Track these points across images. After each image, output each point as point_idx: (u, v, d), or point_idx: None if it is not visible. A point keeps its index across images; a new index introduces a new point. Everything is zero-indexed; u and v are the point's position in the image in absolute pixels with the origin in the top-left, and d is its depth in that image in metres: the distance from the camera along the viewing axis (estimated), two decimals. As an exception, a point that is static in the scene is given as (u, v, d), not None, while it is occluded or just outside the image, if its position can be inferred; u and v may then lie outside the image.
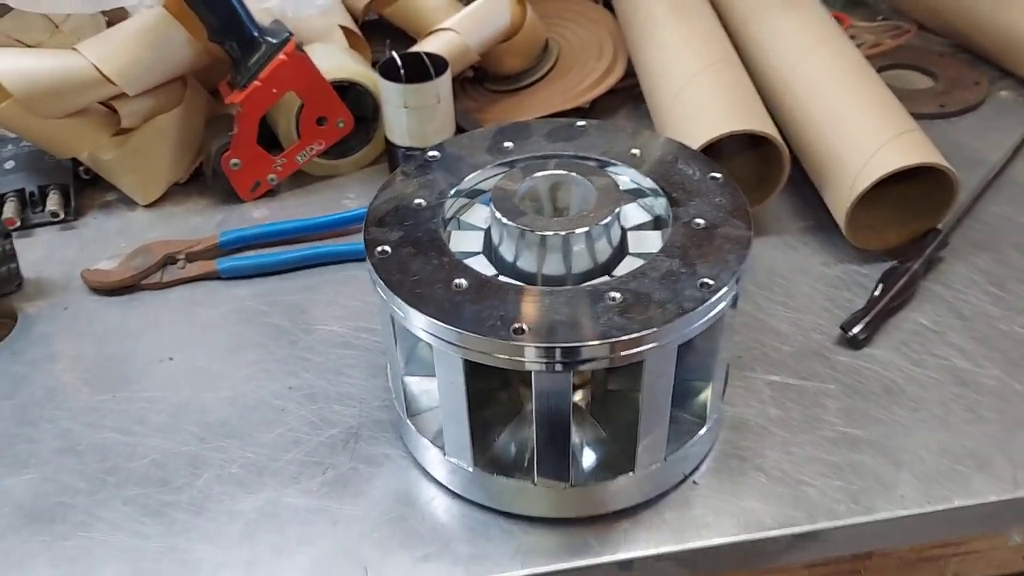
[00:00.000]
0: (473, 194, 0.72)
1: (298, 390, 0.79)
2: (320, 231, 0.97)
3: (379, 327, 0.83)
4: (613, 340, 0.56)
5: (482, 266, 0.65)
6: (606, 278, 0.63)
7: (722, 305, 0.60)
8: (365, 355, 0.82)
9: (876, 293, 0.83)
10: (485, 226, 0.69)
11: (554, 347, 0.56)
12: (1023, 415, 0.74)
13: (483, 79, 1.22)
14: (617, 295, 0.59)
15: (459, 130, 1.02)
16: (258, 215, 1.01)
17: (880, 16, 1.37)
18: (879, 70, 1.18)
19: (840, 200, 0.88)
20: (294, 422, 0.76)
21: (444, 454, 0.68)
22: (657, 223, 0.69)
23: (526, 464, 0.67)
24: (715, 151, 0.89)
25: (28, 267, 0.93)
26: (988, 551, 0.73)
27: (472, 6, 1.12)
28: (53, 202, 1.01)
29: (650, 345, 0.57)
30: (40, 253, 0.97)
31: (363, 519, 0.68)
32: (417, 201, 0.68)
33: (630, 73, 1.16)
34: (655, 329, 0.57)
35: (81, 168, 1.05)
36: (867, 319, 0.80)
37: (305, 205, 1.02)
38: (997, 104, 1.16)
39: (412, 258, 0.63)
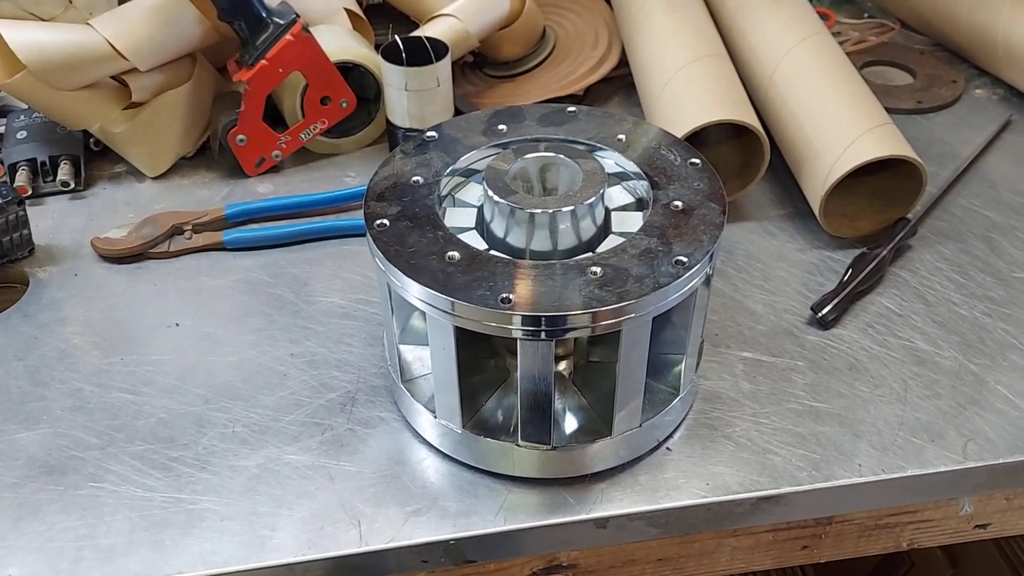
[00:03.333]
0: (468, 173, 0.76)
1: (300, 357, 0.83)
2: (322, 207, 1.00)
3: (377, 299, 0.87)
4: (593, 311, 0.61)
5: (474, 241, 0.69)
6: (589, 254, 0.67)
7: (695, 281, 0.65)
8: (363, 326, 0.86)
9: (845, 277, 0.87)
10: (478, 204, 0.73)
11: (538, 316, 0.61)
12: (976, 393, 0.78)
13: (482, 64, 1.25)
14: (598, 270, 0.63)
15: (457, 113, 1.06)
16: (263, 190, 1.04)
17: (866, 14, 1.40)
18: (862, 66, 1.23)
19: (816, 189, 0.92)
20: (295, 386, 0.80)
21: (435, 417, 0.72)
22: (640, 204, 0.73)
23: (512, 428, 0.71)
24: (700, 140, 0.93)
25: (39, 234, 0.96)
26: (941, 520, 0.78)
27: (473, -7, 1.15)
28: (64, 172, 1.03)
29: (627, 316, 0.62)
30: (51, 221, 1.00)
31: (358, 476, 0.72)
32: (415, 178, 0.72)
33: (624, 62, 1.19)
34: (632, 301, 0.61)
35: (92, 140, 1.08)
36: (836, 301, 0.84)
37: (308, 181, 1.06)
38: (972, 102, 1.20)
39: (409, 231, 0.67)
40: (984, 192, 1.02)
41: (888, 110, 0.97)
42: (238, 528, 0.69)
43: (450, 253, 0.65)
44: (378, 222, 0.68)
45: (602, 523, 0.70)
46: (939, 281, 0.90)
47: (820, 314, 0.84)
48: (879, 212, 0.95)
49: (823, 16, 1.32)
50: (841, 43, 1.28)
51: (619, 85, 1.22)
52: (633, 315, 0.62)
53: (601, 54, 1.20)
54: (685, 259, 0.64)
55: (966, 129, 1.13)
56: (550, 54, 1.23)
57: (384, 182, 0.72)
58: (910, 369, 0.80)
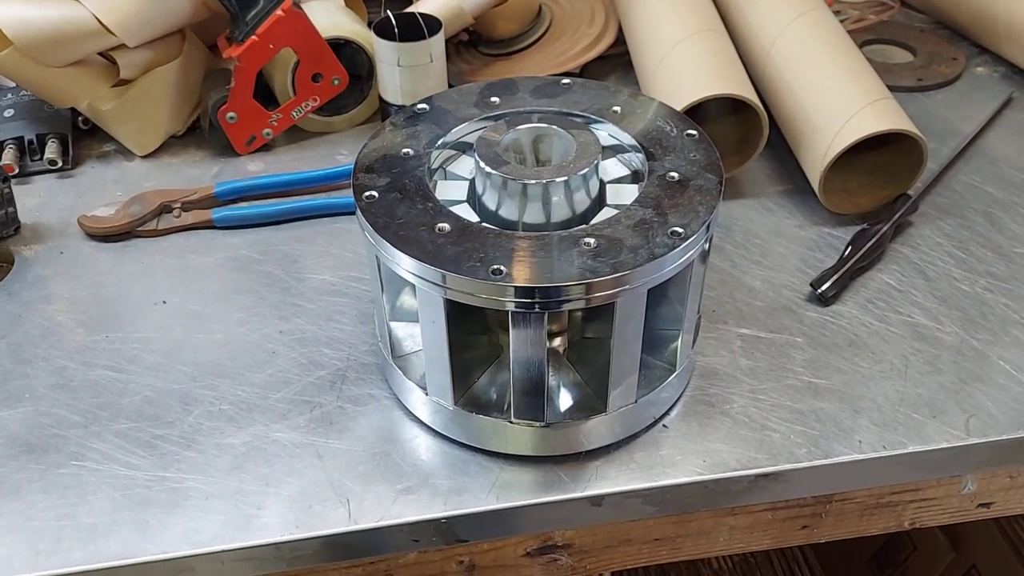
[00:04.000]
0: (460, 146, 0.75)
1: (289, 334, 0.81)
2: (313, 185, 0.99)
3: (368, 276, 0.86)
4: (587, 282, 0.59)
5: (466, 214, 0.67)
6: (583, 226, 0.65)
7: (691, 253, 0.63)
8: (354, 303, 0.84)
9: (845, 253, 0.86)
10: (470, 176, 0.72)
11: (531, 288, 0.59)
12: (977, 369, 0.77)
13: (477, 43, 1.24)
14: (592, 241, 0.62)
15: (451, 89, 1.05)
16: (253, 168, 1.03)
17: (866, -8, 1.39)
18: (862, 44, 1.22)
19: (815, 165, 0.90)
20: (284, 364, 0.79)
21: (427, 394, 0.70)
22: (635, 177, 0.72)
23: (505, 405, 0.69)
24: (698, 115, 0.91)
25: (25, 213, 0.95)
26: (943, 498, 0.76)
27: (467, -31, 1.14)
28: (52, 150, 1.02)
29: (622, 288, 0.60)
30: (37, 200, 0.99)
31: (348, 454, 0.71)
32: (405, 150, 0.71)
33: (620, 40, 1.18)
34: (626, 272, 0.59)
35: (80, 118, 1.07)
36: (835, 277, 0.83)
37: (299, 160, 1.05)
38: (973, 79, 1.18)
39: (398, 203, 0.65)
40: (985, 168, 1.01)
41: (888, 88, 0.95)
42: (224, 507, 0.68)
43: (440, 224, 0.63)
44: (367, 194, 0.66)
45: (597, 501, 0.69)
46: (940, 257, 0.88)
47: (820, 290, 0.82)
48: (879, 188, 0.93)
49: (823, -6, 1.31)
50: (841, 22, 1.27)
51: (616, 63, 1.21)
52: (628, 287, 0.60)
53: (598, 32, 1.19)
54: (681, 230, 0.62)
55: (967, 106, 1.12)
56: (546, 32, 1.22)
57: (373, 154, 0.71)
58: (911, 345, 0.79)
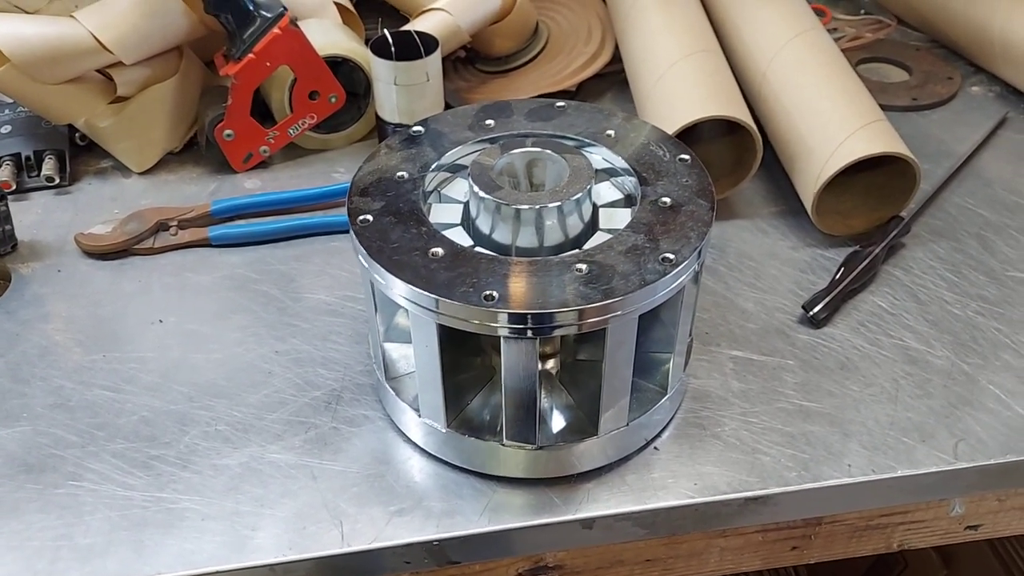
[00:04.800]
0: (454, 169, 0.75)
1: (285, 354, 0.82)
2: (310, 203, 1.00)
3: (363, 296, 0.86)
4: (578, 308, 0.60)
5: (460, 237, 0.68)
6: (576, 251, 0.66)
7: (682, 279, 0.64)
8: (350, 323, 0.85)
9: (837, 276, 0.86)
10: (464, 199, 0.72)
11: (523, 314, 0.60)
12: (967, 393, 0.77)
13: (474, 60, 1.25)
14: (583, 267, 0.62)
15: (448, 109, 1.05)
16: (250, 185, 1.04)
17: (862, 10, 1.40)
18: (858, 63, 1.23)
19: (808, 186, 0.91)
20: (280, 384, 0.79)
21: (420, 416, 0.71)
22: (628, 201, 0.72)
23: (497, 427, 0.70)
24: (693, 136, 0.92)
25: (23, 230, 0.96)
26: (932, 521, 0.77)
27: (464, -12, 1.15)
28: (49, 167, 1.03)
29: (612, 314, 0.61)
30: (35, 216, 0.99)
31: (342, 475, 0.72)
32: (400, 174, 0.71)
33: (617, 58, 1.18)
34: (617, 299, 0.60)
35: (77, 134, 1.07)
36: (827, 300, 0.83)
37: (296, 177, 1.05)
38: (968, 99, 1.19)
39: (392, 227, 0.66)
40: (979, 190, 1.01)
41: (884, 107, 0.96)
42: (219, 528, 0.68)
43: (434, 249, 0.64)
44: (361, 218, 0.67)
45: (588, 524, 0.69)
46: (932, 280, 0.89)
47: (811, 313, 0.83)
48: (873, 210, 0.94)
49: (819, 12, 1.32)
50: (837, 39, 1.28)
51: (612, 81, 1.21)
52: (619, 313, 0.61)
53: (594, 50, 1.20)
54: (672, 256, 0.63)
55: (961, 126, 1.13)
56: (543, 49, 1.23)
57: (368, 177, 0.71)
58: (902, 368, 0.80)
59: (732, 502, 0.70)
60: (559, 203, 0.65)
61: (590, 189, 0.68)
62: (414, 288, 0.61)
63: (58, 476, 0.72)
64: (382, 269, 0.63)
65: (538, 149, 0.71)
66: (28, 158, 1.03)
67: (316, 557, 0.67)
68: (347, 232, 0.92)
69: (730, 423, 0.75)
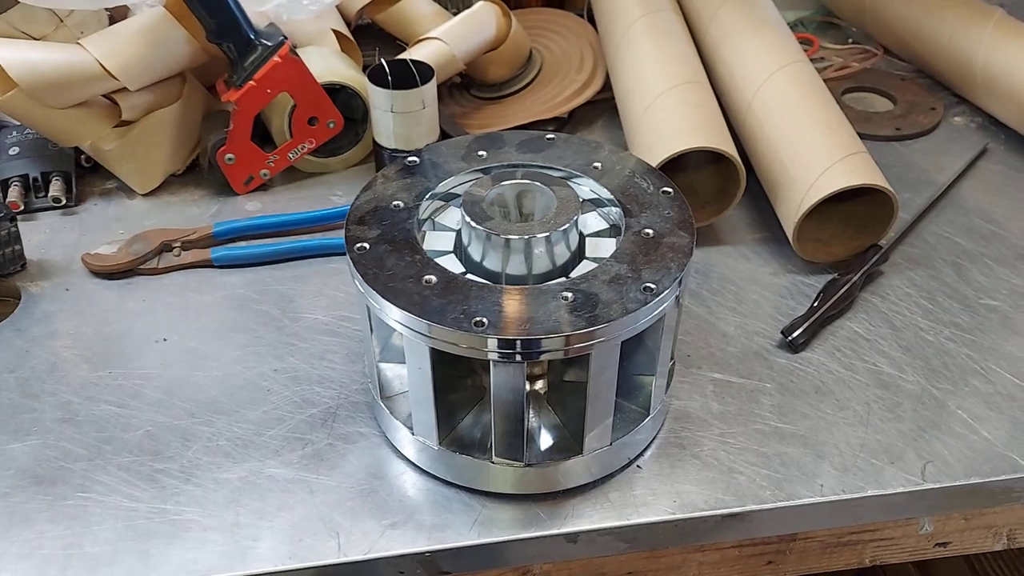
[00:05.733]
0: (448, 197, 0.79)
1: (283, 372, 0.85)
2: (309, 225, 1.03)
3: (359, 317, 0.89)
4: (564, 335, 0.63)
5: (452, 265, 0.71)
6: (563, 279, 0.69)
7: (663, 307, 0.67)
8: (346, 342, 0.88)
9: (816, 302, 0.89)
10: (457, 228, 0.76)
11: (511, 339, 0.63)
12: (936, 417, 0.80)
13: (469, 86, 1.28)
14: (569, 295, 0.66)
15: (443, 134, 1.08)
16: (251, 208, 1.07)
17: (850, 39, 1.43)
18: (844, 92, 1.26)
19: (790, 215, 0.94)
20: (278, 401, 0.82)
21: (413, 433, 0.74)
22: (614, 231, 0.76)
23: (487, 445, 0.73)
24: (679, 165, 0.96)
25: (31, 249, 0.98)
26: (901, 538, 0.80)
27: (460, 16, 1.18)
28: (55, 188, 1.05)
29: (596, 340, 0.64)
30: (42, 236, 1.02)
31: (337, 490, 0.74)
32: (395, 202, 0.75)
33: (608, 86, 1.21)
34: (601, 326, 0.63)
35: (83, 156, 1.10)
36: (805, 325, 0.86)
37: (296, 200, 1.08)
38: (950, 129, 1.22)
39: (388, 255, 0.69)
40: (957, 219, 1.04)
41: (867, 137, 0.99)
42: (220, 538, 0.71)
43: (427, 277, 0.67)
44: (358, 245, 0.70)
45: (573, 538, 0.72)
46: (907, 307, 0.92)
47: (790, 338, 0.86)
48: (852, 238, 0.97)
49: (807, 42, 1.35)
50: (824, 68, 1.31)
51: (603, 108, 1.24)
52: (603, 339, 0.64)
53: (586, 77, 1.23)
54: (653, 286, 0.66)
55: (943, 156, 1.16)
56: (536, 76, 1.26)
57: (365, 205, 0.74)
58: (874, 392, 0.83)
59: (710, 519, 0.73)
60: (547, 233, 0.69)
61: (576, 220, 0.71)
62: (408, 314, 0.64)
63: (67, 488, 0.75)
64: (377, 295, 0.66)
65: (528, 181, 0.74)
66: (35, 179, 1.06)
67: (315, 566, 0.69)
68: (344, 255, 0.95)
69: (709, 443, 0.78)
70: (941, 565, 1.40)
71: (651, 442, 0.78)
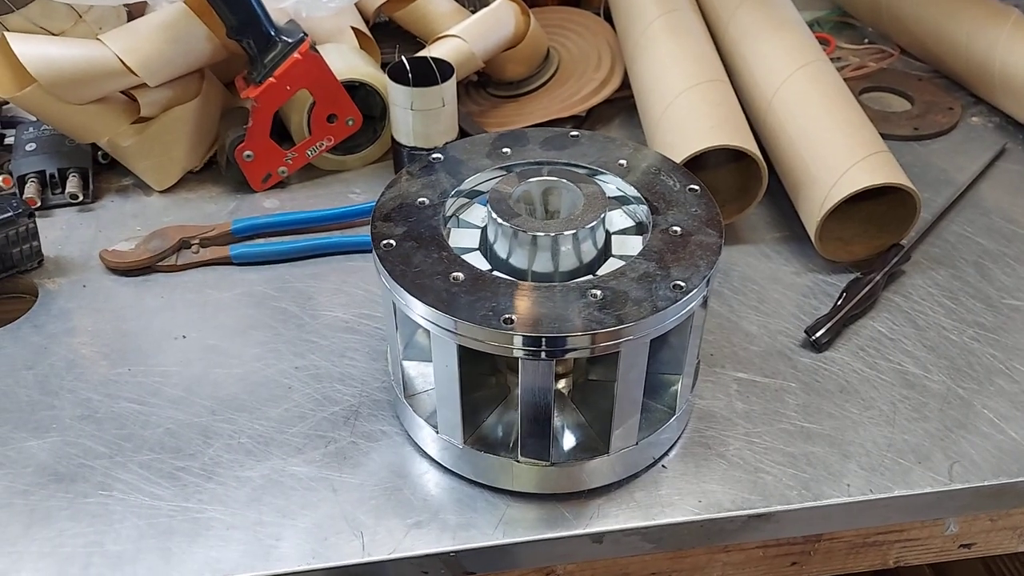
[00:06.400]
0: (472, 195, 0.78)
1: (304, 370, 0.85)
2: (327, 222, 1.02)
3: (380, 314, 0.89)
4: (592, 332, 0.63)
5: (478, 261, 0.71)
6: (590, 277, 0.69)
7: (692, 305, 0.67)
8: (367, 340, 0.88)
9: (839, 301, 0.89)
10: (482, 225, 0.75)
11: (539, 336, 0.63)
12: (962, 416, 0.80)
13: (487, 84, 1.27)
14: (598, 292, 0.65)
15: (462, 132, 1.08)
16: (269, 205, 1.06)
17: (866, 39, 1.43)
18: (861, 92, 1.25)
19: (812, 214, 0.94)
20: (300, 399, 0.82)
21: (437, 432, 0.74)
22: (639, 228, 0.75)
23: (511, 444, 0.73)
24: (700, 163, 0.95)
25: (48, 246, 0.98)
26: (927, 539, 0.80)
27: (479, 14, 1.17)
28: (73, 184, 1.05)
29: (625, 339, 0.64)
30: (59, 233, 1.02)
31: (361, 488, 0.74)
32: (420, 199, 0.74)
33: (626, 84, 1.21)
34: (630, 324, 0.63)
35: (100, 153, 1.10)
36: (829, 325, 0.86)
37: (314, 197, 1.08)
38: (968, 129, 1.22)
39: (414, 252, 0.69)
40: (977, 219, 1.04)
41: (885, 136, 0.98)
42: (243, 537, 0.71)
43: (454, 274, 0.67)
44: (384, 242, 0.70)
45: (598, 538, 0.72)
46: (930, 306, 0.91)
47: (814, 337, 0.86)
48: (874, 237, 0.97)
49: (824, 41, 1.34)
50: (841, 68, 1.31)
51: (621, 107, 1.24)
52: (631, 337, 0.64)
53: (604, 76, 1.22)
54: (683, 283, 0.66)
55: (961, 156, 1.16)
56: (554, 75, 1.26)
57: (391, 202, 0.74)
58: (899, 392, 0.82)
59: (736, 519, 0.72)
60: (574, 230, 0.68)
61: (604, 217, 0.71)
62: (436, 311, 0.64)
63: (88, 485, 0.74)
64: (405, 292, 0.66)
65: (554, 178, 0.74)
66: (52, 176, 1.05)
67: (338, 566, 0.69)
68: (363, 251, 0.96)
69: (734, 443, 0.78)
70: (956, 565, 1.40)
71: (676, 441, 0.78)
